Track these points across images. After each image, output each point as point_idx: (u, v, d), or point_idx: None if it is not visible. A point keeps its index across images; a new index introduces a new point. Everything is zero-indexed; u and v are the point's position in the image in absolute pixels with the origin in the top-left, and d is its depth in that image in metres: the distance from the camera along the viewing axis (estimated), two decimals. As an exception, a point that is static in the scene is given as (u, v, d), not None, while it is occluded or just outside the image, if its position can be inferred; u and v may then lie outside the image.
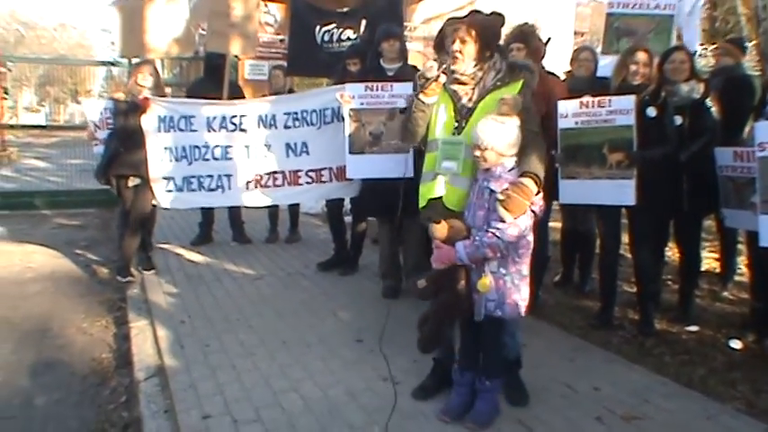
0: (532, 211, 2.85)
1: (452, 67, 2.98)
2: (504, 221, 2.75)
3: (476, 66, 2.99)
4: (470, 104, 2.99)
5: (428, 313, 3.02)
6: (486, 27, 3.01)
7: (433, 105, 3.08)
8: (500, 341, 3.05)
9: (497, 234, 2.75)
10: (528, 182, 2.79)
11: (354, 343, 3.97)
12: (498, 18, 3.13)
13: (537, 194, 2.84)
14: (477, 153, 2.82)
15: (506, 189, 2.75)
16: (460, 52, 2.96)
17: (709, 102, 4.31)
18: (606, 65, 4.86)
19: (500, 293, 2.86)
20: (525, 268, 2.94)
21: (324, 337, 4.07)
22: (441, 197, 3.01)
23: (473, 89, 3.01)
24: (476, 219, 2.87)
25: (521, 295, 2.91)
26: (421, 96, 3.03)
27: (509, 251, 2.83)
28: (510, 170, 2.85)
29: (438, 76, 2.98)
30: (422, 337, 3.04)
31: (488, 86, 2.99)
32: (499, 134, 2.79)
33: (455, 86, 3.03)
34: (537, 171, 2.83)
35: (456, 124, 3.00)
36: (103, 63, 13.66)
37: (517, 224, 2.78)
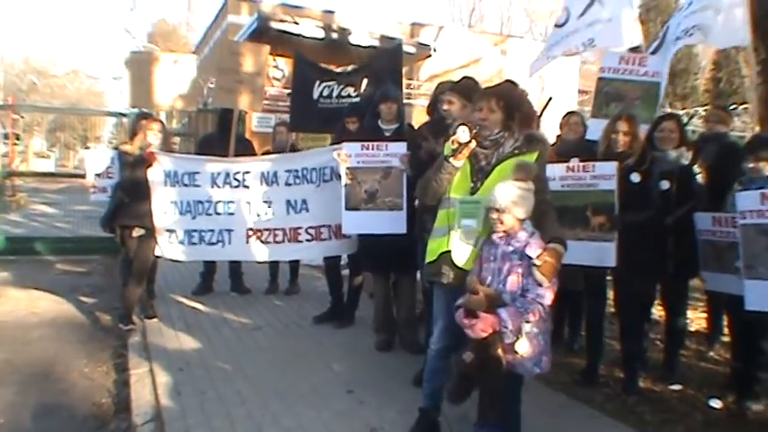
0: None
1: (478, 132, 3.19)
2: (541, 286, 2.90)
3: (498, 133, 3.22)
4: (488, 168, 3.20)
5: (459, 384, 3.13)
6: (512, 98, 3.26)
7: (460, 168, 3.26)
8: (519, 397, 3.20)
9: (538, 300, 2.90)
10: (559, 247, 2.97)
11: (345, 394, 4.09)
12: (518, 89, 3.40)
13: None
14: (495, 216, 2.99)
15: (541, 254, 2.92)
16: (487, 120, 3.20)
17: (696, 168, 4.51)
18: (595, 129, 5.08)
19: (537, 351, 2.99)
20: (550, 325, 3.12)
21: (316, 387, 4.20)
22: (449, 252, 3.19)
23: (492, 154, 3.22)
24: (507, 284, 2.98)
25: (549, 350, 3.07)
26: (452, 160, 3.19)
27: (544, 314, 2.97)
28: (532, 235, 3.00)
29: (470, 142, 3.15)
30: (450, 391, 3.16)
31: (506, 153, 3.21)
32: (516, 198, 2.96)
33: (476, 149, 3.23)
34: (562, 236, 3.03)
35: (472, 185, 3.21)
36: (111, 114, 14.05)
37: (553, 289, 2.94)
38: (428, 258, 3.35)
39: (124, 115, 13.52)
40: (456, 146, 3.15)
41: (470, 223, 3.15)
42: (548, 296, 2.92)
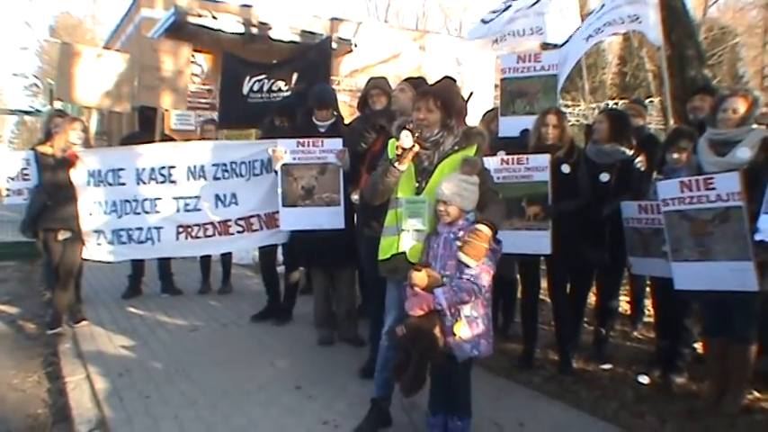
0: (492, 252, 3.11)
1: (420, 135, 3.26)
2: (468, 266, 3.00)
3: (438, 133, 3.30)
4: (430, 167, 3.29)
5: (401, 360, 3.16)
6: (448, 97, 3.35)
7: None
8: (469, 381, 3.29)
9: (472, 280, 3.01)
10: (482, 227, 3.05)
11: (294, 390, 4.10)
12: (454, 84, 3.49)
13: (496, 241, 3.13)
14: (442, 207, 3.12)
15: (464, 235, 3.04)
16: (426, 120, 3.27)
17: (638, 161, 4.75)
18: (505, 126, 5.30)
19: (475, 335, 3.11)
20: (490, 311, 3.23)
21: (263, 385, 4.19)
22: (404, 252, 3.26)
23: (434, 153, 3.31)
24: (446, 268, 3.10)
25: (490, 335, 3.18)
26: (397, 165, 3.24)
27: (480, 295, 3.08)
28: (473, 223, 3.12)
29: (413, 146, 3.21)
30: (403, 383, 3.14)
31: (447, 150, 3.31)
32: (461, 191, 3.10)
33: (419, 151, 3.30)
34: (492, 219, 3.12)
35: (417, 184, 3.30)
36: (12, 112, 13.32)
37: (488, 270, 3.06)
38: (381, 256, 3.42)
39: (27, 113, 12.81)
40: (400, 151, 3.22)
41: (417, 222, 3.27)
42: (483, 277, 3.04)
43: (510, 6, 6.32)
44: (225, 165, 5.43)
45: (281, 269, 6.04)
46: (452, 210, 3.11)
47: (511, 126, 5.20)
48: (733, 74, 28.30)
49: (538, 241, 4.27)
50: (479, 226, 3.07)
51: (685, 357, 4.38)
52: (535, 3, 5.96)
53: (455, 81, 3.60)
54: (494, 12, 6.57)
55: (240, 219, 5.48)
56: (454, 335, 3.07)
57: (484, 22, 6.57)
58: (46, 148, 5.44)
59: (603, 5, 5.66)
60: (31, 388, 4.47)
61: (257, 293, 6.49)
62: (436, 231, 3.21)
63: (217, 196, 5.46)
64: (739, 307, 3.62)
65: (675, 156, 4.09)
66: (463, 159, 3.22)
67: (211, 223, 5.48)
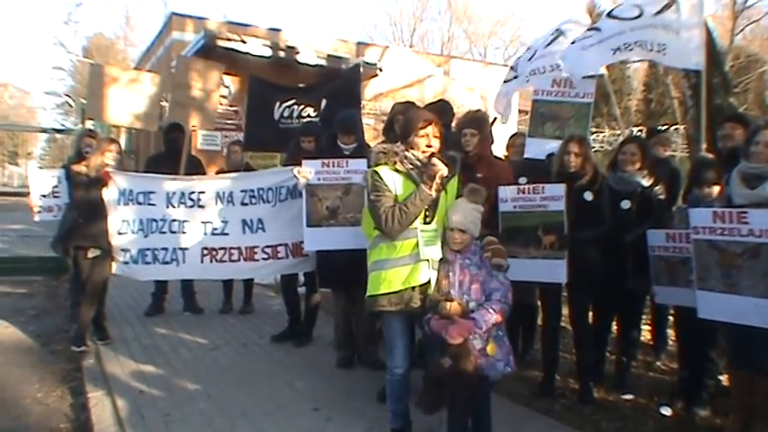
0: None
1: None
2: (501, 267, 3.22)
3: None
4: (435, 194, 3.33)
5: (432, 395, 3.18)
6: (442, 127, 3.47)
7: None
8: (489, 407, 3.36)
9: (503, 300, 3.17)
10: (491, 237, 3.35)
11: (312, 411, 4.11)
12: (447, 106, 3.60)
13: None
14: (456, 236, 3.24)
15: (486, 246, 3.27)
16: (435, 148, 3.36)
17: (658, 189, 4.72)
18: (533, 148, 5.28)
19: (504, 353, 3.22)
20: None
21: (282, 406, 4.20)
22: (426, 283, 3.30)
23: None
24: (471, 292, 3.21)
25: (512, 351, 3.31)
26: (433, 192, 3.29)
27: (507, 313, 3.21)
28: (482, 248, 3.32)
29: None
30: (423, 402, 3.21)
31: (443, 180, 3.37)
32: (474, 219, 3.28)
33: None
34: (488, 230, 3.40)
35: (426, 214, 3.33)
36: (44, 130, 13.67)
37: (510, 286, 3.24)
38: (389, 288, 3.35)
39: (58, 131, 13.17)
40: (439, 180, 3.29)
41: (434, 250, 3.31)
42: (509, 295, 3.21)
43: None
44: (252, 191, 5.52)
45: (301, 290, 6.07)
46: (466, 237, 3.25)
47: (538, 148, 5.20)
48: (760, 102, 28.00)
49: (554, 270, 4.26)
50: (489, 238, 3.36)
51: (709, 389, 4.31)
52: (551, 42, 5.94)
53: (448, 104, 3.70)
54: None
55: (267, 246, 5.53)
56: (487, 355, 3.15)
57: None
58: (80, 167, 5.54)
59: (641, 15, 5.47)
60: (54, 402, 4.52)
61: (278, 313, 6.52)
62: (444, 258, 3.30)
63: (244, 221, 5.53)
64: (766, 341, 3.55)
65: (706, 190, 4.05)
66: (471, 188, 3.36)
67: (238, 248, 5.53)
